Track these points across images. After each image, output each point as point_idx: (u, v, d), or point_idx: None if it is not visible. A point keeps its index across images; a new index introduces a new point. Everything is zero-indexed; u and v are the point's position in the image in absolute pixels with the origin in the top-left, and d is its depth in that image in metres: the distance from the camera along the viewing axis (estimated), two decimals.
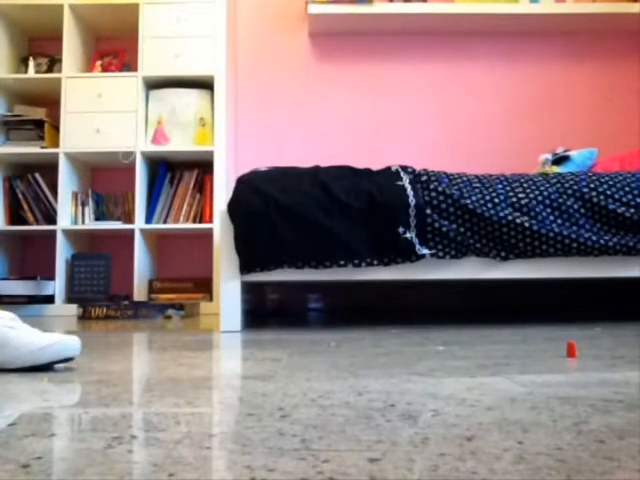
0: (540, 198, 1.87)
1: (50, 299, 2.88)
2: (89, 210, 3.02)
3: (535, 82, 3.22)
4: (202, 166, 3.09)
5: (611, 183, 1.90)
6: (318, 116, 3.19)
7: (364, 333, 1.70)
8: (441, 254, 1.82)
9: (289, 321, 2.13)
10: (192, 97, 2.97)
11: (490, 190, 1.88)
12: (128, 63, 3.17)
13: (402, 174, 1.90)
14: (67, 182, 2.97)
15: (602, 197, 1.87)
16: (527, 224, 1.83)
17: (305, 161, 3.12)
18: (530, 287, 2.95)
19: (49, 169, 3.06)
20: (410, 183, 1.87)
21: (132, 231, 2.94)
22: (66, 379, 0.96)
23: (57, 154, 2.94)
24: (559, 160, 2.49)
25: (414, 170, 1.94)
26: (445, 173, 1.95)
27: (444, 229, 1.82)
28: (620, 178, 1.92)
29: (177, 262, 3.21)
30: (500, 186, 1.90)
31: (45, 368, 1.08)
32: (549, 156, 2.53)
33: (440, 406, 0.72)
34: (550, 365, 1.05)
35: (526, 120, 3.20)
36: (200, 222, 2.98)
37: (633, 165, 2.40)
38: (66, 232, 2.94)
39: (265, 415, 0.68)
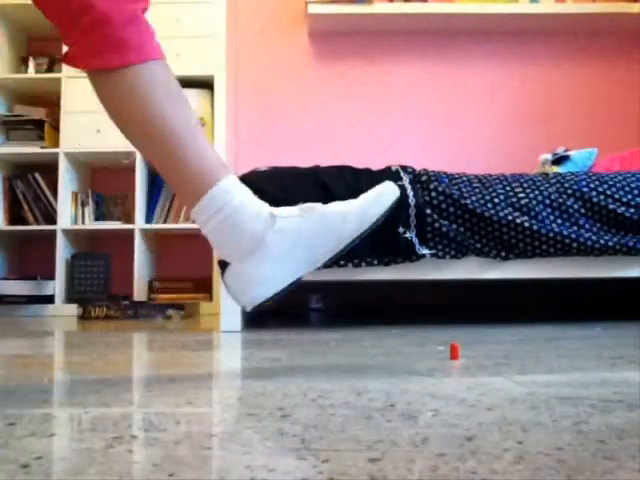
0: (540, 198, 1.87)
1: (50, 299, 2.88)
2: (89, 210, 3.02)
3: (535, 82, 3.22)
4: None
5: (611, 183, 1.90)
6: (318, 116, 3.19)
7: (364, 333, 1.70)
8: (441, 254, 1.82)
9: (289, 321, 2.13)
10: (192, 97, 2.97)
11: (490, 190, 1.88)
12: None
13: (402, 174, 1.90)
14: (67, 182, 2.97)
15: (602, 197, 1.87)
16: (527, 224, 1.83)
17: (305, 161, 3.12)
18: (530, 287, 2.95)
19: (49, 169, 3.06)
20: (410, 183, 1.87)
21: (132, 231, 2.94)
22: (65, 379, 0.96)
23: (57, 154, 2.94)
24: (559, 160, 2.49)
25: (414, 170, 1.94)
26: (445, 173, 1.95)
27: (444, 229, 1.82)
28: (620, 178, 1.92)
29: (177, 262, 3.21)
30: (500, 186, 1.90)
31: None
32: (549, 156, 2.53)
33: (440, 406, 0.72)
34: (550, 365, 1.05)
35: (526, 120, 3.20)
36: None
37: (633, 165, 2.40)
38: (66, 232, 2.94)
39: (265, 415, 0.68)
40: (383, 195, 1.05)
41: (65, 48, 0.99)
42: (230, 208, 0.99)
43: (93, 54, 0.95)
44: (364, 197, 1.06)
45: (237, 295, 1.03)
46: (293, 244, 1.01)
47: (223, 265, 1.04)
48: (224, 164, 1.02)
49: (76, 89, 2.94)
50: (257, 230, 1.00)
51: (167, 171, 1.01)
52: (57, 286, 2.87)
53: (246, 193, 1.02)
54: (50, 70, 3.10)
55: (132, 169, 3.01)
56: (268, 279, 1.01)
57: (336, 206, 1.05)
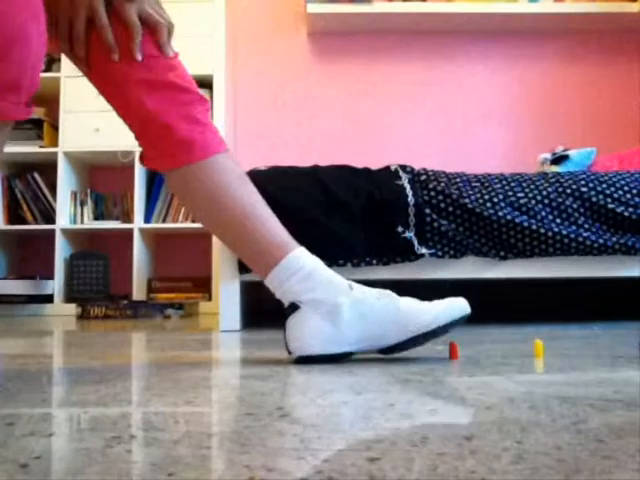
0: (539, 197, 1.87)
1: (49, 298, 2.88)
2: (88, 209, 3.02)
3: (534, 81, 3.22)
4: None
5: (610, 182, 1.90)
6: (317, 115, 3.19)
7: None
8: (440, 253, 1.82)
9: None
10: None
11: (489, 189, 1.88)
12: None
13: (401, 173, 1.90)
14: (66, 181, 2.97)
15: (601, 196, 1.87)
16: (526, 223, 1.83)
17: (304, 160, 3.12)
18: (529, 286, 2.96)
19: (48, 168, 3.06)
20: (409, 182, 1.87)
21: (131, 230, 2.93)
22: (64, 378, 0.96)
23: (56, 153, 2.94)
24: (558, 159, 2.49)
25: (413, 169, 1.94)
26: (444, 172, 1.95)
27: (443, 228, 1.82)
28: (619, 177, 1.92)
29: (176, 261, 3.21)
30: (499, 185, 1.90)
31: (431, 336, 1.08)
32: (548, 155, 2.53)
33: (439, 405, 0.72)
34: (549, 364, 1.05)
35: (525, 119, 3.20)
36: None
37: (632, 164, 2.40)
38: (65, 231, 2.94)
39: (264, 414, 0.68)
40: (454, 308, 1.10)
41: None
42: (303, 273, 1.07)
43: (165, 156, 1.08)
44: (437, 304, 1.10)
45: (290, 337, 1.09)
46: (363, 319, 1.06)
47: (291, 309, 1.09)
48: (290, 237, 1.11)
49: (75, 88, 2.94)
50: (331, 293, 1.06)
51: (241, 247, 1.12)
52: (56, 285, 2.87)
53: (318, 262, 1.10)
54: (49, 69, 3.10)
55: (131, 168, 3.01)
56: (326, 339, 1.07)
57: (410, 301, 1.09)
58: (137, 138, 1.11)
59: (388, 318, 1.06)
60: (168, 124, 1.05)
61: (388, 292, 1.10)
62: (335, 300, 1.06)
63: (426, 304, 1.10)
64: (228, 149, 1.13)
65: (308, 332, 1.06)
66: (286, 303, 1.10)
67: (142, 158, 1.13)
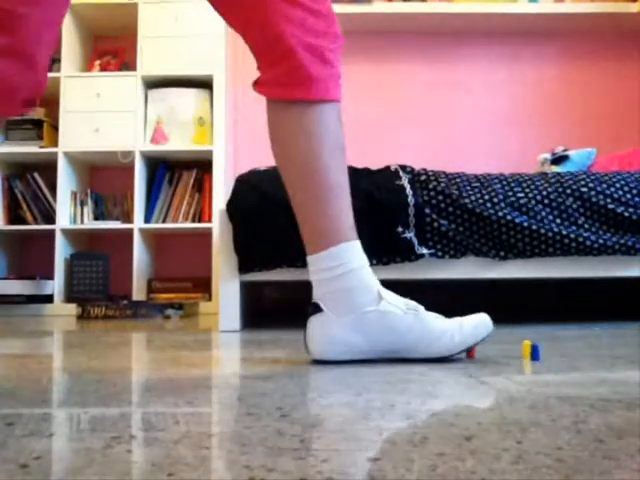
0: (539, 197, 1.87)
1: (49, 299, 2.88)
2: (88, 210, 3.02)
3: (534, 81, 3.22)
4: (201, 165, 3.08)
5: (610, 183, 1.90)
6: None
7: None
8: (440, 254, 1.82)
9: (288, 321, 2.13)
10: (191, 96, 2.97)
11: (489, 190, 1.88)
12: (127, 63, 3.17)
13: (401, 173, 1.90)
14: (66, 182, 2.97)
15: (601, 196, 1.87)
16: (526, 223, 1.83)
17: None
18: (529, 286, 2.96)
19: (48, 169, 3.06)
20: (409, 182, 1.87)
21: (131, 231, 2.93)
22: (64, 379, 0.96)
23: (56, 153, 2.94)
24: (558, 160, 2.49)
25: (413, 169, 1.94)
26: (444, 172, 1.95)
27: (443, 228, 1.82)
28: (619, 177, 1.92)
29: (176, 262, 3.21)
30: (499, 186, 1.90)
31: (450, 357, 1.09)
32: (548, 156, 2.53)
33: (439, 406, 0.72)
34: (549, 365, 1.05)
35: (525, 120, 3.20)
36: (199, 221, 2.97)
37: (632, 165, 2.40)
38: (65, 232, 2.94)
39: (264, 415, 0.68)
40: (480, 329, 1.10)
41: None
42: (346, 269, 1.05)
43: (278, 84, 1.02)
44: (465, 325, 1.10)
45: (311, 339, 1.07)
46: (386, 330, 1.06)
47: (314, 307, 1.08)
48: (354, 227, 1.08)
49: (75, 88, 2.94)
50: (360, 301, 1.05)
51: (306, 213, 1.08)
52: (56, 286, 2.87)
53: (364, 262, 1.07)
54: (49, 70, 3.10)
55: (131, 169, 3.01)
56: (350, 349, 1.06)
57: (437, 321, 1.08)
58: (256, 58, 1.03)
59: (413, 336, 1.06)
60: (293, 50, 0.97)
61: (415, 305, 1.08)
62: (363, 310, 1.05)
63: (453, 324, 1.09)
64: (340, 100, 1.05)
65: (330, 338, 1.06)
66: (315, 292, 1.08)
67: (256, 81, 1.06)
